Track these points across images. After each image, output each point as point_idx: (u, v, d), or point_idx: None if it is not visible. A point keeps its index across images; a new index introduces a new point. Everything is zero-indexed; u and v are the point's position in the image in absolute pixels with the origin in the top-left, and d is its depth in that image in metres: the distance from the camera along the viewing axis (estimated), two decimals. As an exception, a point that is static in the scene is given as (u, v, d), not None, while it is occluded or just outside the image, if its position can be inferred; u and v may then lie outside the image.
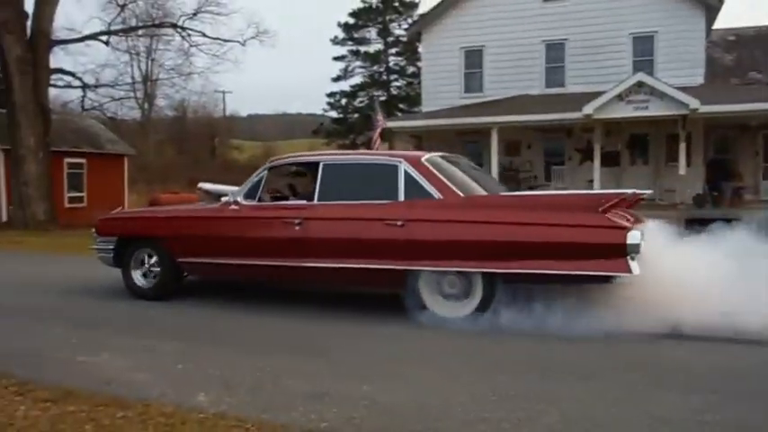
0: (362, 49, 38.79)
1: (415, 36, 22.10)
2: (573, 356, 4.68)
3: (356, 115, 38.38)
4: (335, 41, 38.63)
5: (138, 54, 39.34)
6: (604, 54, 18.67)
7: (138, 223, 7.31)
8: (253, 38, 22.36)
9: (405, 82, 39.17)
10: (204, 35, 21.57)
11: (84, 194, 23.17)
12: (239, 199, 6.56)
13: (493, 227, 5.51)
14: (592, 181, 17.13)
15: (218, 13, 22.09)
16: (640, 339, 4.93)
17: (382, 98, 34.01)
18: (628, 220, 5.51)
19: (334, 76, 38.95)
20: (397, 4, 37.79)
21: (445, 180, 5.89)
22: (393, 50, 38.93)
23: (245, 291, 7.27)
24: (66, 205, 21.91)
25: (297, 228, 6.11)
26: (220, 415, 3.47)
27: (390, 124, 19.32)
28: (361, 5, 38.27)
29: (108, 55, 67.07)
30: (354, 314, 6.11)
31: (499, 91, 19.41)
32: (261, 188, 6.58)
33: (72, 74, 20.13)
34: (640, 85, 16.09)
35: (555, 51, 19.35)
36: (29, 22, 18.15)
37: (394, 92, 38.97)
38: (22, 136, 17.75)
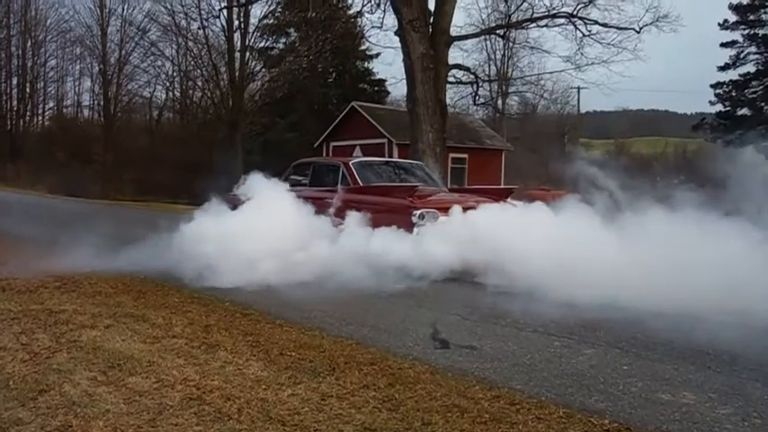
0: (760, 32, 33.42)
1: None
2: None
3: (744, 110, 33.31)
4: (724, 26, 33.95)
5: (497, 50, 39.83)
6: None
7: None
8: (649, 24, 19.71)
9: (813, 67, 32.83)
10: (597, 23, 19.82)
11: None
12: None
13: (361, 203, 9.23)
14: None
15: (616, -3, 19.93)
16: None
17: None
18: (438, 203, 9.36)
19: (721, 64, 34.13)
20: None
21: (357, 176, 10.23)
22: (799, 31, 32.87)
23: None
24: (450, 199, 22.22)
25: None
26: None
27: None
28: (757, -17, 33.07)
29: (468, 53, 69.27)
30: None
31: None
32: (287, 177, 11.26)
33: (467, 69, 20.23)
34: None
35: None
36: (430, 20, 18.60)
37: (798, 79, 32.90)
38: (422, 131, 18.24)
